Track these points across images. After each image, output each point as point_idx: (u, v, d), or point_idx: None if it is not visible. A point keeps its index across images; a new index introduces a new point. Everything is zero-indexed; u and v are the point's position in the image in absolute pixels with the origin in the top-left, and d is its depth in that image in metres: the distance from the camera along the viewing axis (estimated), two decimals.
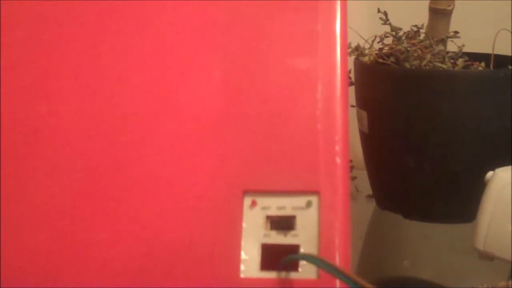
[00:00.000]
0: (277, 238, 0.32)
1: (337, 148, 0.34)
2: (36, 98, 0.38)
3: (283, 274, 0.31)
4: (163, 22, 0.39)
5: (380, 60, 0.61)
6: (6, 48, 0.40)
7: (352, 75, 0.61)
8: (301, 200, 0.33)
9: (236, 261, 0.32)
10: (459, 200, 0.58)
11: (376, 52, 0.62)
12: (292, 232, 0.32)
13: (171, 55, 0.38)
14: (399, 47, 0.60)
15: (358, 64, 0.61)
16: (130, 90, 0.37)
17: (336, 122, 0.34)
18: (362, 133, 0.62)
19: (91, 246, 0.34)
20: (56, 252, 0.34)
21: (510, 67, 0.56)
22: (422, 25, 0.62)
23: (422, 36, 0.61)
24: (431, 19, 0.61)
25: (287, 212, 0.33)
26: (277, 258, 0.31)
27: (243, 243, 0.32)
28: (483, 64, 0.59)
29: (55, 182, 0.35)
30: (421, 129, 0.56)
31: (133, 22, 0.39)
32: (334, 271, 0.26)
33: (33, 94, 0.38)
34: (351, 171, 0.43)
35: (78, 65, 0.39)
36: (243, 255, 0.32)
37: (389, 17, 0.62)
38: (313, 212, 0.32)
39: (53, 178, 0.36)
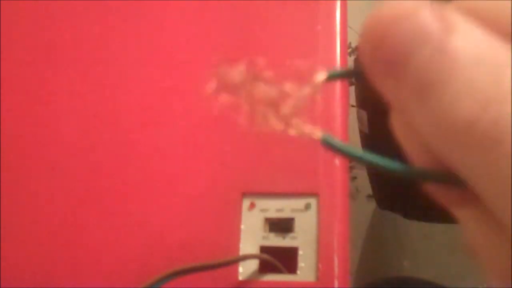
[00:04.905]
0: (276, 241, 0.32)
1: None
2: (36, 98, 0.38)
3: (282, 276, 0.31)
4: (162, 22, 0.39)
5: None
6: (7, 48, 0.40)
7: None
8: (300, 202, 0.32)
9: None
10: None
11: None
12: (291, 235, 0.32)
13: (171, 56, 0.38)
14: None
15: (358, 64, 0.61)
16: (130, 92, 0.37)
17: (336, 122, 0.34)
18: (362, 133, 0.62)
19: (91, 247, 0.34)
20: (56, 252, 0.34)
21: None
22: None
23: None
24: None
25: (286, 214, 0.32)
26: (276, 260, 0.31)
27: (241, 245, 0.32)
28: None
29: (55, 182, 0.35)
30: None
31: (133, 23, 0.39)
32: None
33: (33, 94, 0.38)
34: (351, 171, 0.43)
35: (79, 66, 0.39)
36: None
37: None
38: (312, 214, 0.32)
39: (53, 178, 0.36)
